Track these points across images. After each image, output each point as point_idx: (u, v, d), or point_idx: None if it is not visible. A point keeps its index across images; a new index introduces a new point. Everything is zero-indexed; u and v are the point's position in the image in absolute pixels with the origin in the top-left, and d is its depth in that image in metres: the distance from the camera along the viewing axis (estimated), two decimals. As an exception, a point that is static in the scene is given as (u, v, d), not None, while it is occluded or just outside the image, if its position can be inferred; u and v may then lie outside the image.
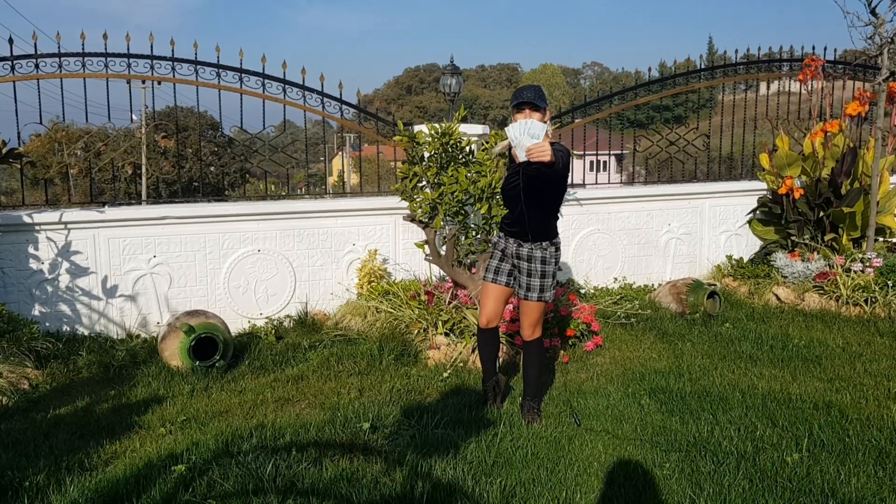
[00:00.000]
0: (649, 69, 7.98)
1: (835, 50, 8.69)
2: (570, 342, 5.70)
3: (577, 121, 7.99)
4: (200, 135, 13.82)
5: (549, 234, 4.10)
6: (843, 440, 3.88)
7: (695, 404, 4.46)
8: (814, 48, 8.34)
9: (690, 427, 4.10)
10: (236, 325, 6.29)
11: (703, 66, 8.28)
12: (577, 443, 3.89)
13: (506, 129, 3.70)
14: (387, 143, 7.26)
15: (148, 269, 6.12)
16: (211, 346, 5.27)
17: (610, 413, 4.36)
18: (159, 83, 6.49)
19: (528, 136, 3.53)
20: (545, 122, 3.80)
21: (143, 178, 26.81)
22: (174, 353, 5.24)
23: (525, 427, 4.10)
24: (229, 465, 3.53)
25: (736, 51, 8.42)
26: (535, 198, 4.01)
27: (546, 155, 3.48)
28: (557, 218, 4.18)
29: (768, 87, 8.83)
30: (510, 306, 5.31)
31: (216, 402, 4.66)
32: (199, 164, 11.05)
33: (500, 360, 4.98)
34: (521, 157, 3.60)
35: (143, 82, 6.76)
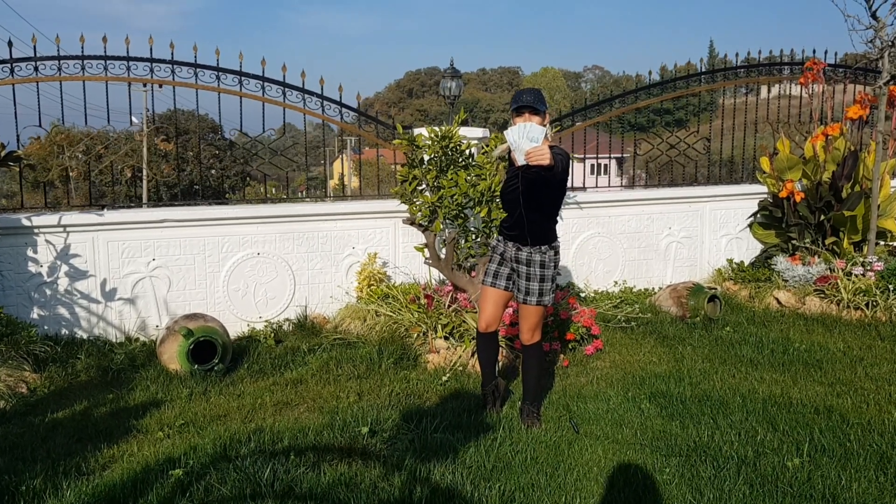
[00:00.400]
0: (650, 73, 7.98)
1: (836, 53, 8.68)
2: (569, 346, 5.68)
3: (577, 124, 7.98)
4: (201, 138, 13.82)
5: (548, 237, 4.08)
6: (844, 445, 3.86)
7: (695, 409, 4.44)
8: (814, 52, 8.34)
9: (691, 432, 4.08)
10: (235, 329, 6.27)
11: (703, 70, 8.27)
12: (576, 447, 3.87)
13: (504, 132, 3.69)
14: (387, 147, 7.25)
15: (147, 272, 6.11)
16: (210, 349, 5.26)
17: (610, 417, 4.34)
18: (160, 87, 6.50)
19: (527, 139, 3.52)
20: (544, 126, 3.79)
21: (144, 181, 26.81)
22: (173, 357, 5.22)
23: (524, 431, 4.08)
24: (227, 469, 3.51)
25: (737, 54, 8.41)
26: (534, 201, 4.00)
27: (545, 159, 3.47)
28: (556, 222, 4.17)
29: (769, 91, 8.81)
30: (510, 310, 5.30)
31: (214, 405, 4.65)
32: (199, 167, 11.06)
33: (500, 363, 4.96)
34: (520, 160, 3.59)
35: (144, 85, 6.74)
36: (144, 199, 22.88)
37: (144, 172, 26.73)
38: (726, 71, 8.32)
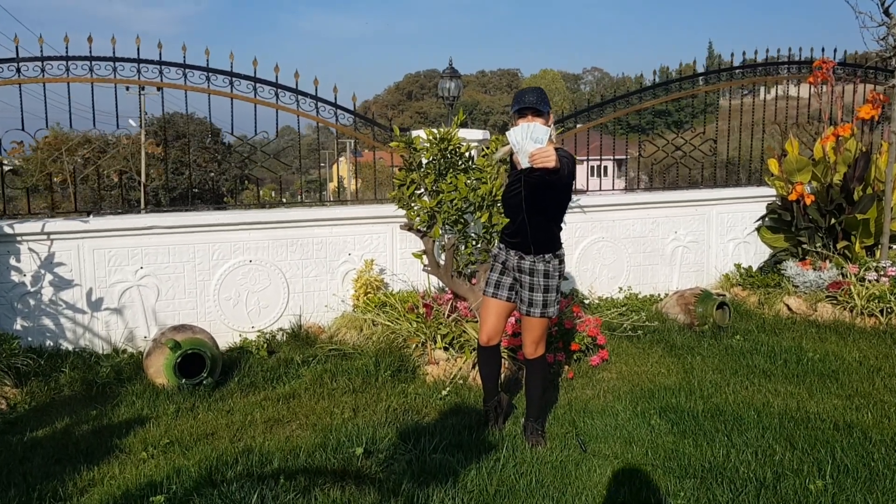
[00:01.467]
0: (654, 73, 7.81)
1: (845, 52, 8.44)
2: (574, 356, 5.46)
3: (578, 126, 7.77)
4: (192, 141, 13.62)
5: (552, 245, 3.87)
6: (868, 465, 3.63)
7: (708, 425, 4.22)
8: (823, 51, 8.10)
9: (705, 450, 3.85)
10: (227, 339, 6.06)
11: (703, 71, 8.07)
12: (584, 468, 3.65)
13: (507, 133, 3.46)
14: (384, 150, 7.04)
15: (135, 281, 5.89)
16: (198, 362, 5.04)
17: (618, 435, 4.12)
18: (159, 89, 6.29)
19: (532, 140, 3.29)
20: (548, 127, 3.56)
21: (142, 186, 26.54)
22: (159, 371, 5.00)
23: (529, 451, 3.86)
24: (212, 495, 3.29)
25: (742, 54, 8.19)
26: (538, 207, 3.78)
27: (551, 161, 3.24)
28: (561, 228, 3.95)
29: (769, 92, 8.60)
30: (512, 319, 5.08)
31: (202, 423, 4.43)
32: (190, 171, 10.87)
33: (502, 376, 4.74)
34: (524, 163, 3.36)
35: (142, 89, 6.53)
36: (142, 205, 22.70)
37: (143, 176, 26.52)
38: (728, 71, 8.12)
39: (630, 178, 17.55)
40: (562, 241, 3.96)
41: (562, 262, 3.92)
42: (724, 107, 8.54)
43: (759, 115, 8.34)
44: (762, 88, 8.55)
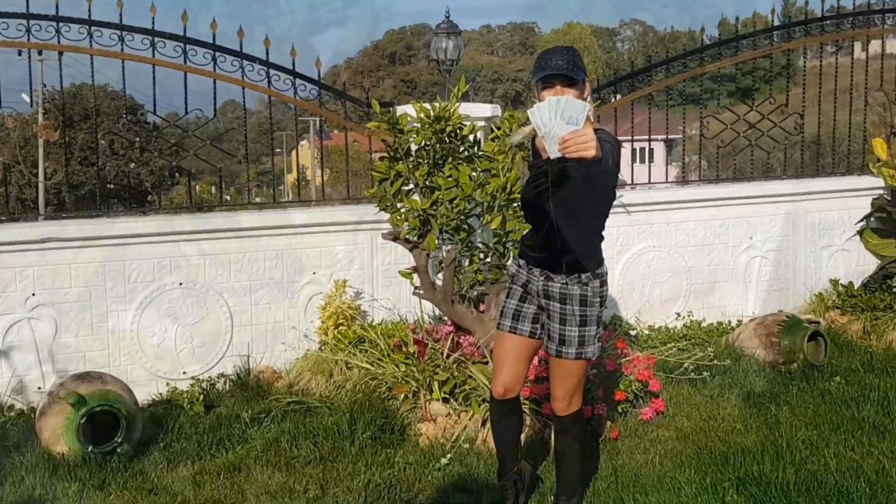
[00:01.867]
0: (735, 21, 7.68)
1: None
2: (619, 408, 5.43)
3: (618, 97, 7.74)
4: (104, 121, 13.60)
5: (590, 261, 3.81)
6: None
7: (803, 501, 4.20)
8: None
9: (801, 540, 3.78)
10: (150, 390, 6.04)
11: (780, 24, 8.14)
12: (638, 567, 3.56)
13: (529, 111, 3.37)
14: (359, 131, 7.01)
15: (24, 312, 5.84)
16: (110, 423, 4.99)
17: (683, 518, 4.05)
18: (60, 54, 6.21)
19: (563, 120, 3.19)
20: (585, 100, 3.47)
21: (41, 184, 26.48)
22: (57, 435, 4.94)
23: (561, 542, 3.78)
24: None
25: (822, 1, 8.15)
26: (570, 209, 3.72)
27: (591, 148, 3.14)
28: (602, 238, 3.89)
29: (865, 49, 8.56)
30: (536, 359, 5.00)
31: (115, 507, 4.36)
32: (106, 161, 10.86)
33: (523, 437, 4.69)
34: (553, 151, 3.26)
35: (40, 53, 6.47)
36: (41, 210, 22.70)
37: (41, 171, 26.55)
38: (820, 22, 8.16)
39: (686, 163, 17.59)
40: (602, 255, 3.89)
41: (604, 283, 3.85)
42: (822, 68, 8.48)
43: (855, 80, 8.30)
44: (857, 45, 8.53)
